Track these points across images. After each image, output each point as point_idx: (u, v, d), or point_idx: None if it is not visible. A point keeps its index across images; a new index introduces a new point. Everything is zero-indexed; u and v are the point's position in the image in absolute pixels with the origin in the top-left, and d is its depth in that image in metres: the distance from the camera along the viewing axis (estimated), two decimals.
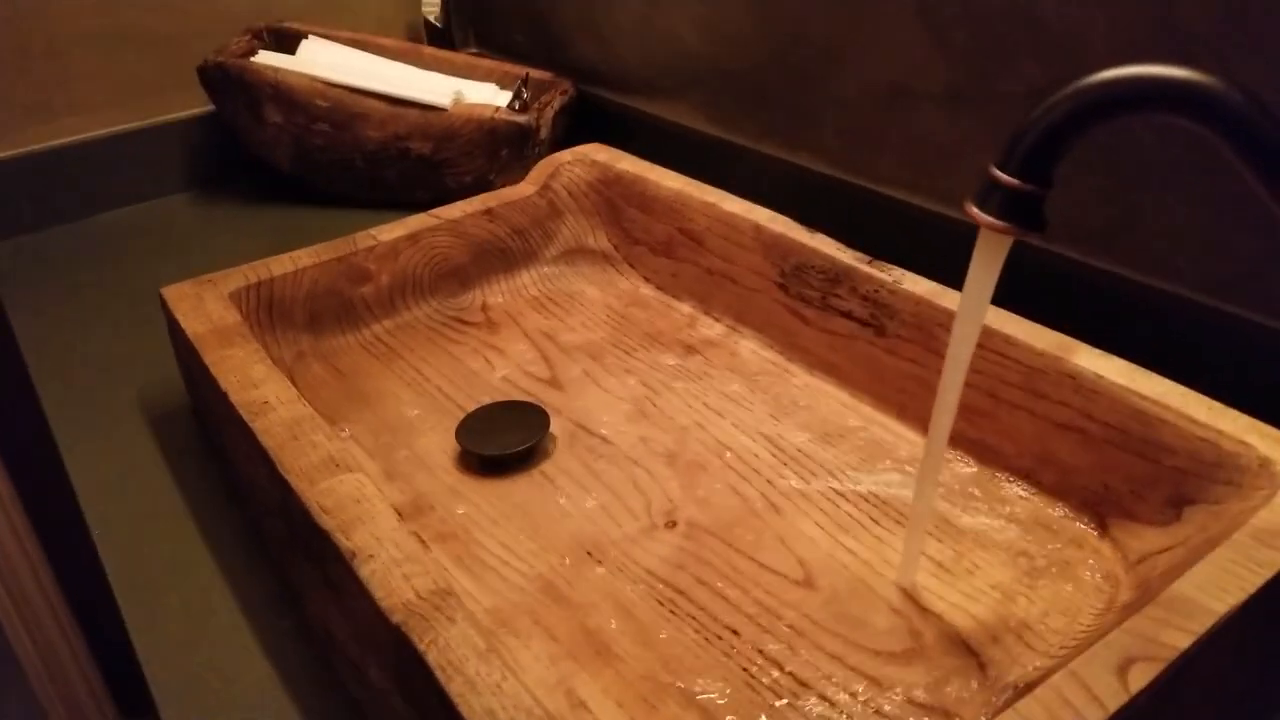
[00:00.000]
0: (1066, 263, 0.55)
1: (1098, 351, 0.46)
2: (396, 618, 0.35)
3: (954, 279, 0.42)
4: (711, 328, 0.66)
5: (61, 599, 1.01)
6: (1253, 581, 0.33)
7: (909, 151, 0.64)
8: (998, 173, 0.33)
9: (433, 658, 0.33)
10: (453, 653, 0.33)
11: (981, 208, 0.33)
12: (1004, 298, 0.44)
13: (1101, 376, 0.44)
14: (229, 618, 0.47)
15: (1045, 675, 0.32)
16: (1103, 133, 0.52)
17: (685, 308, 0.68)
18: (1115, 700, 0.29)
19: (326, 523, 0.41)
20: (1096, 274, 0.54)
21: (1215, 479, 0.41)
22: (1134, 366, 0.45)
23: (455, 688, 0.31)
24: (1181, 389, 0.43)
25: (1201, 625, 0.32)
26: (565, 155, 0.75)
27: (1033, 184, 0.32)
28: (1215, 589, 0.33)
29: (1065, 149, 0.32)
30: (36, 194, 0.90)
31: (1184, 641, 0.31)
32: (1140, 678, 0.30)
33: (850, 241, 0.58)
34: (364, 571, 0.38)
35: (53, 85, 0.89)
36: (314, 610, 0.45)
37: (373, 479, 0.53)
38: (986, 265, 0.35)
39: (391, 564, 0.38)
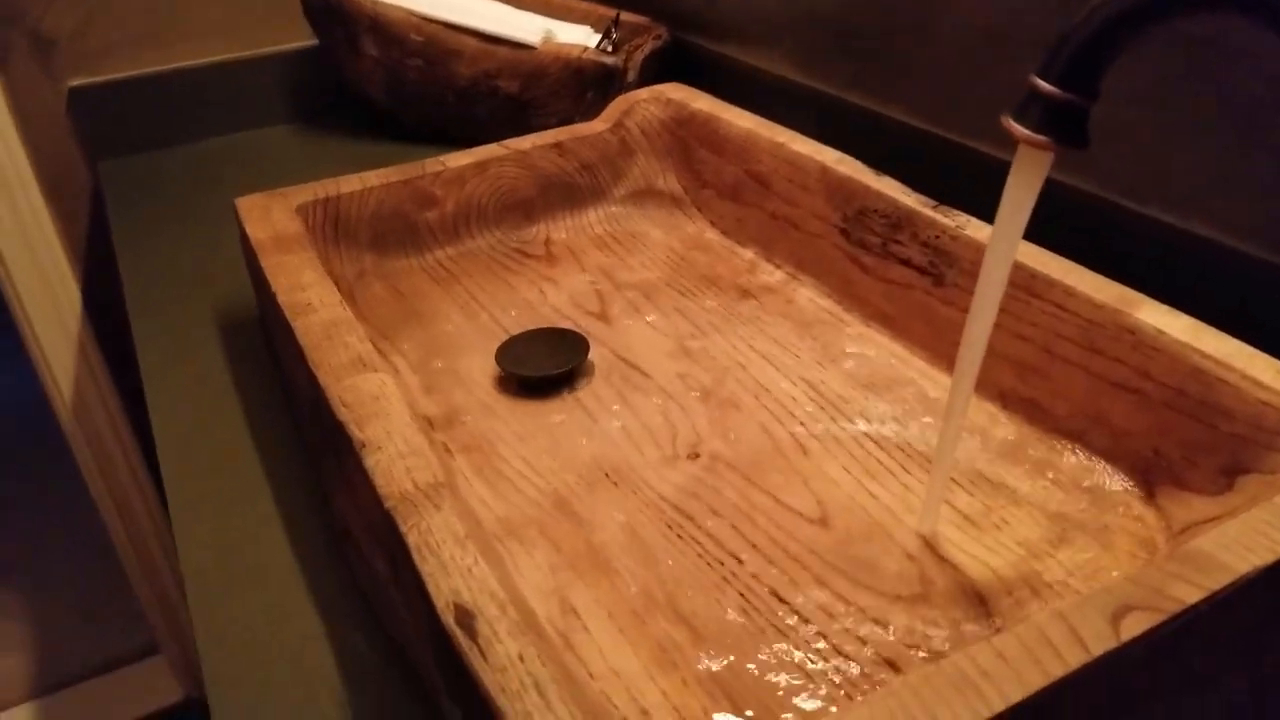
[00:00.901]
0: (1153, 224, 0.52)
1: (1163, 306, 0.43)
2: (390, 503, 0.35)
3: (1031, 234, 0.39)
4: (771, 274, 0.64)
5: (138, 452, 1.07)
6: None
7: (1001, 103, 0.61)
8: (1039, 81, 0.31)
9: (412, 540, 0.33)
10: (432, 536, 0.33)
11: (1019, 120, 0.31)
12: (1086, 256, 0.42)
13: (1163, 333, 0.41)
14: (263, 510, 0.48)
15: None
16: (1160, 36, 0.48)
17: (747, 253, 0.67)
18: (1101, 645, 0.27)
19: (344, 415, 0.41)
20: (1184, 236, 0.50)
21: (1275, 446, 0.37)
22: (1199, 324, 0.41)
23: (428, 568, 0.31)
24: (1249, 349, 0.40)
25: (1216, 582, 0.29)
26: (642, 93, 0.74)
27: (1076, 94, 0.30)
28: (1240, 547, 0.30)
29: (1114, 55, 0.30)
30: (145, 117, 0.94)
31: (1192, 596, 0.29)
32: (1134, 626, 0.28)
33: (924, 191, 0.56)
34: (369, 461, 0.38)
35: (166, 12, 0.92)
36: (337, 507, 0.46)
37: (411, 391, 0.54)
38: (1024, 186, 0.33)
39: (396, 456, 0.38)
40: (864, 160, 0.60)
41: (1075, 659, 0.27)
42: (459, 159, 0.69)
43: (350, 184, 0.65)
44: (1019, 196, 0.33)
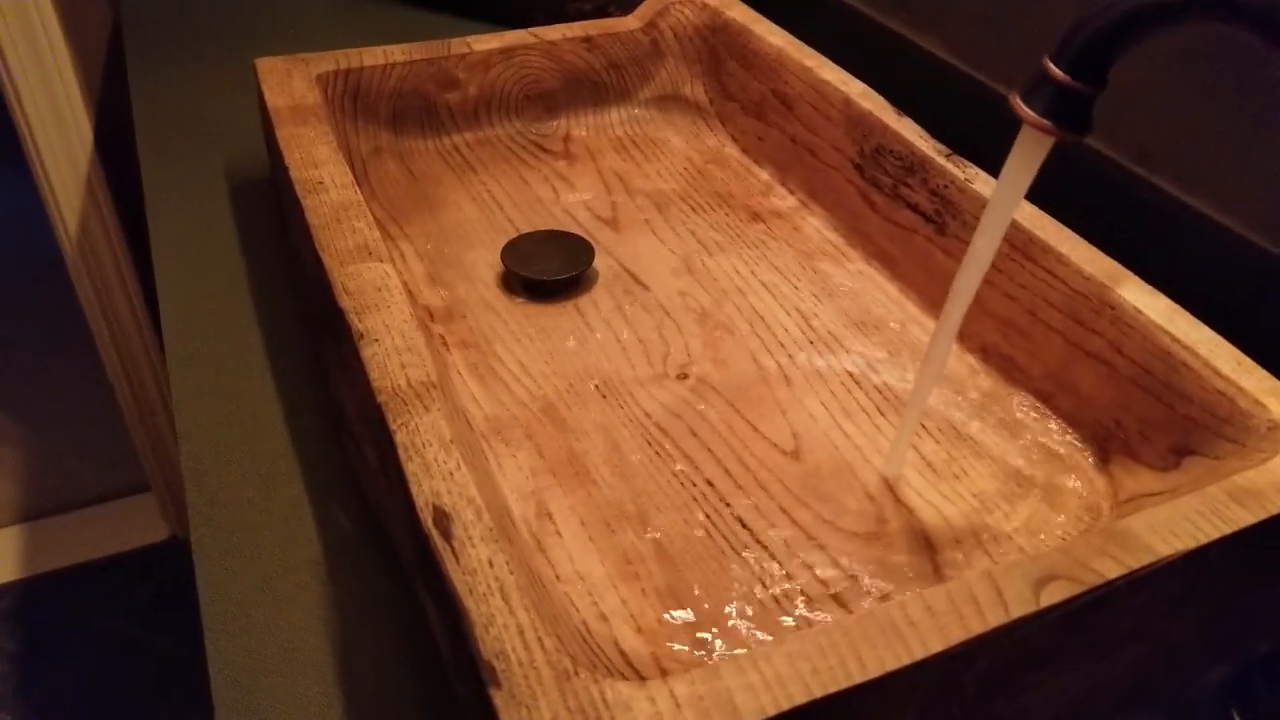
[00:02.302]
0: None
1: (1146, 287, 0.44)
2: (382, 398, 0.37)
3: (1040, 194, 0.40)
4: (784, 199, 0.65)
5: (140, 295, 1.10)
6: (1207, 534, 0.32)
7: (1032, 53, 0.60)
8: (1050, 65, 0.31)
9: (400, 439, 0.35)
10: (419, 436, 0.35)
11: (1026, 101, 0.32)
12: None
13: (1141, 312, 0.43)
14: (260, 381, 0.51)
15: None
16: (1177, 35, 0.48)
17: (764, 174, 0.67)
18: (1021, 608, 0.30)
19: (345, 303, 0.43)
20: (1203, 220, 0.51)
21: (1222, 434, 0.39)
22: (1177, 308, 0.43)
23: (412, 468, 0.34)
24: (1217, 339, 0.41)
25: (1137, 561, 0.31)
26: None
27: (1084, 83, 0.31)
28: (1166, 531, 0.32)
29: (1125, 48, 0.30)
30: None
31: (1112, 572, 0.31)
32: (1054, 594, 0.30)
33: (941, 133, 0.56)
34: (366, 353, 0.40)
35: None
36: (332, 386, 0.48)
37: (415, 279, 0.56)
38: (1024, 164, 0.34)
39: (393, 351, 0.40)
40: (891, 91, 0.60)
41: (995, 618, 0.29)
42: (486, 42, 0.68)
43: (373, 57, 0.65)
44: (1018, 174, 0.34)
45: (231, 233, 0.62)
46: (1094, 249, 0.46)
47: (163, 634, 1.31)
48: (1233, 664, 0.40)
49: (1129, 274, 0.45)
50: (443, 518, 0.32)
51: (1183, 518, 0.33)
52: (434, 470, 0.33)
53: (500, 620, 0.28)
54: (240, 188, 0.66)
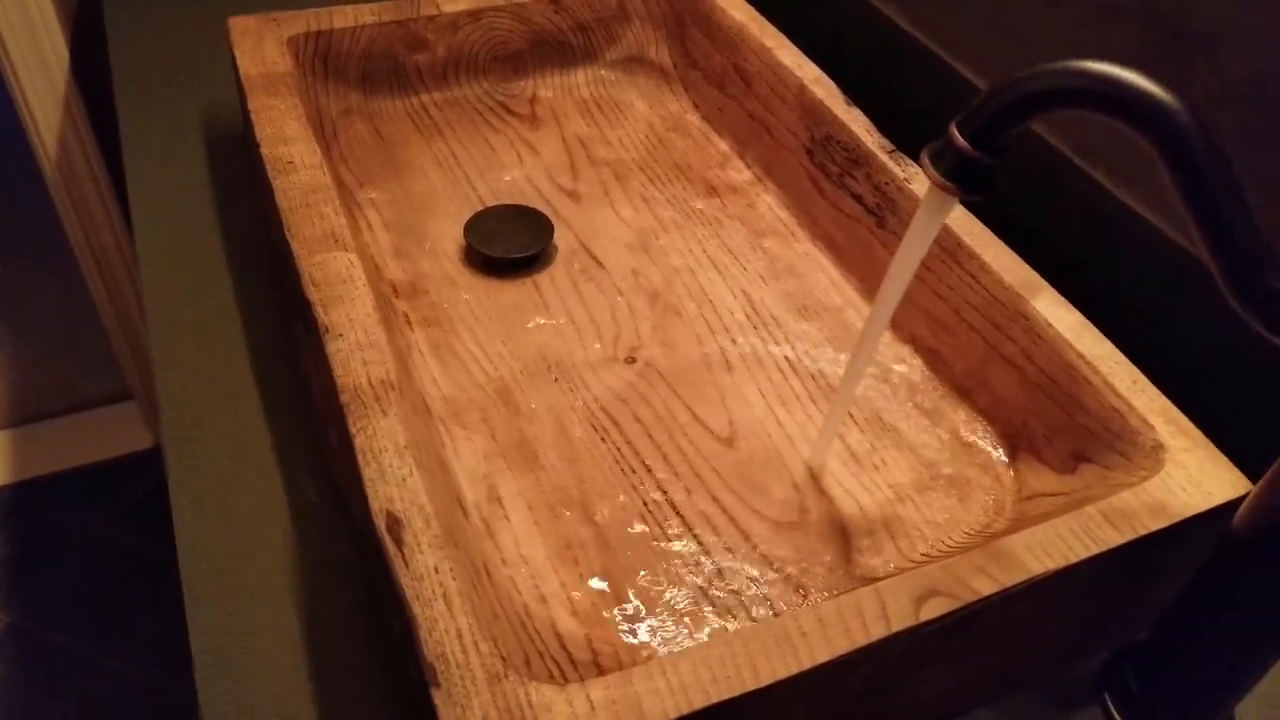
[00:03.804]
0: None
1: (1060, 300, 0.47)
2: (344, 398, 0.41)
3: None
4: (741, 173, 0.67)
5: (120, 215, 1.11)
6: (1078, 553, 0.37)
7: (991, 28, 0.62)
8: (955, 133, 0.34)
9: (359, 443, 0.38)
10: (376, 441, 0.38)
11: (933, 162, 0.35)
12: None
13: (1051, 325, 0.46)
14: (234, 351, 0.54)
15: (887, 576, 0.37)
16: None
17: (722, 145, 0.69)
18: (901, 622, 0.34)
19: (312, 294, 0.46)
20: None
21: (1113, 448, 0.43)
22: (1086, 323, 0.46)
23: (368, 473, 0.37)
24: (1118, 357, 0.45)
25: (1011, 579, 0.35)
26: None
27: (984, 152, 0.33)
28: (1041, 551, 0.36)
29: (1019, 125, 0.33)
30: None
31: (987, 589, 0.35)
32: (932, 610, 0.34)
33: (890, 119, 0.58)
34: (330, 348, 0.43)
35: None
36: (302, 364, 0.51)
37: (381, 251, 0.58)
38: (930, 218, 0.37)
39: (356, 347, 0.43)
40: (849, 60, 0.61)
41: (878, 631, 0.34)
42: (455, 4, 0.69)
43: (344, 18, 0.66)
44: (925, 226, 0.37)
45: (206, 186, 0.64)
46: (1016, 258, 0.49)
47: (146, 537, 1.36)
48: (1107, 653, 0.44)
49: (1045, 286, 0.48)
50: (395, 523, 0.35)
51: (1058, 537, 0.37)
52: (389, 476, 0.37)
53: (442, 625, 0.32)
54: (216, 137, 0.68)
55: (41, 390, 1.48)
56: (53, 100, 1.07)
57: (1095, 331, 0.46)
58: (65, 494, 1.41)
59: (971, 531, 0.46)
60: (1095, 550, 0.37)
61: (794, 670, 0.32)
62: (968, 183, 0.34)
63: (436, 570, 0.34)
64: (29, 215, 1.35)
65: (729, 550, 0.45)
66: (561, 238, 0.61)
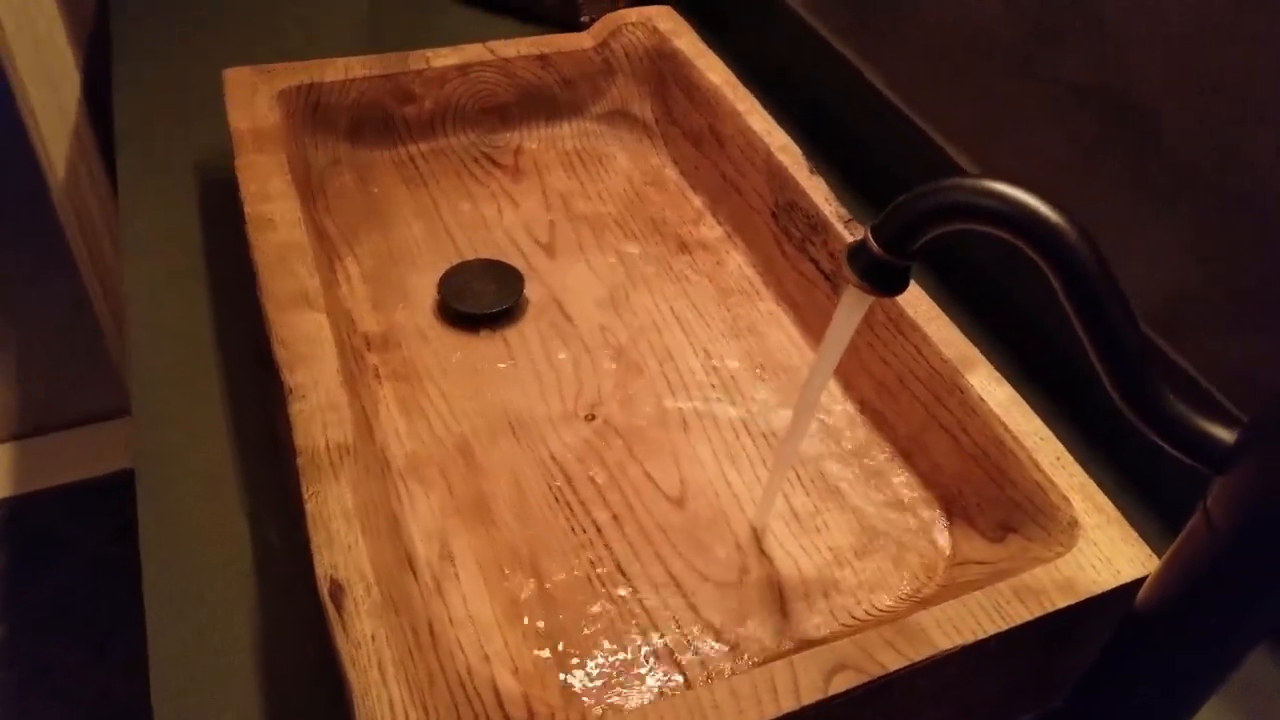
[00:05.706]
0: None
1: (995, 376, 0.49)
2: (301, 461, 0.43)
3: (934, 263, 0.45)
4: (713, 229, 0.69)
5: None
6: (986, 629, 0.38)
7: (968, 103, 0.64)
8: (870, 237, 0.36)
9: (310, 509, 0.41)
10: (326, 508, 0.41)
11: (850, 263, 0.37)
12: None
13: (984, 400, 0.48)
14: (211, 387, 0.56)
15: (817, 642, 0.39)
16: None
17: (696, 201, 0.72)
18: (811, 695, 0.36)
19: (279, 354, 0.48)
20: None
21: (1035, 521, 0.45)
22: (1017, 399, 0.48)
23: (316, 540, 0.39)
24: (1045, 433, 0.46)
25: (917, 654, 0.37)
26: (631, 14, 0.76)
27: (895, 256, 0.36)
28: (950, 627, 0.38)
29: (928, 234, 0.35)
30: None
31: (894, 664, 0.37)
32: (841, 683, 0.36)
33: (862, 178, 0.61)
34: (293, 409, 0.45)
35: None
36: (271, 409, 0.54)
37: (358, 303, 0.61)
38: (848, 315, 0.39)
39: (317, 410, 0.46)
40: (826, 117, 0.64)
41: (788, 704, 0.36)
42: (444, 58, 0.72)
43: (335, 71, 0.69)
44: (844, 322, 0.39)
45: (196, 230, 0.66)
46: (957, 332, 0.51)
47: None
48: (1031, 716, 0.46)
49: (982, 361, 0.50)
50: (337, 589, 0.38)
51: (968, 614, 0.39)
52: (335, 543, 0.39)
53: (375, 692, 0.35)
54: (209, 180, 0.71)
55: (40, 405, 1.52)
56: (63, 124, 1.11)
57: (1025, 407, 0.48)
58: (62, 508, 1.44)
59: (902, 596, 0.48)
60: (1002, 627, 0.39)
61: None
62: (882, 283, 0.36)
63: (374, 638, 0.36)
64: (32, 232, 1.39)
65: (670, 613, 0.47)
66: (534, 292, 0.63)
